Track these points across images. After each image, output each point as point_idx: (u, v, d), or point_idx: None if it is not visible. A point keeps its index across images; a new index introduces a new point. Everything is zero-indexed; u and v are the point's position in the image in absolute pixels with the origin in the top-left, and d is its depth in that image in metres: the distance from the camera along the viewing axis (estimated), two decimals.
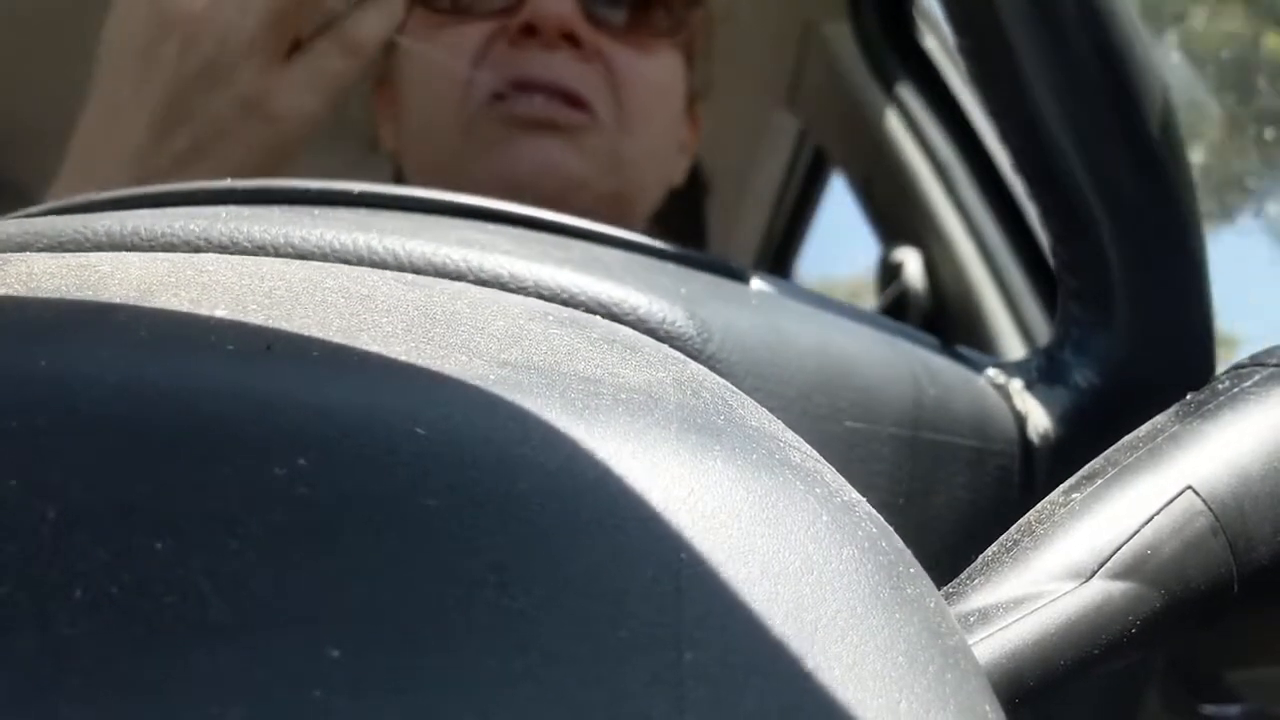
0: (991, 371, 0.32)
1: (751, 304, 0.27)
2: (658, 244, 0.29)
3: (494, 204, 0.28)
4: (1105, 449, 0.30)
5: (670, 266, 0.28)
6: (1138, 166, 0.29)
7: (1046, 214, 0.31)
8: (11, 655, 0.11)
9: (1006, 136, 0.31)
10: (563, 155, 0.54)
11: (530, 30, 0.53)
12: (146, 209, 0.24)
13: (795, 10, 0.87)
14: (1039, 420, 0.31)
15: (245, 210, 0.24)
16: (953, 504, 0.28)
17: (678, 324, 0.23)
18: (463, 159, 0.54)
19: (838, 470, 0.25)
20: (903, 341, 0.30)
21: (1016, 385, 0.32)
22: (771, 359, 0.24)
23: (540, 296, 0.23)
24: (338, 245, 0.22)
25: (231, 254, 0.22)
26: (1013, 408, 0.31)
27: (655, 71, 0.58)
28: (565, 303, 0.23)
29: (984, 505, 0.29)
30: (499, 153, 0.53)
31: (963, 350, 0.33)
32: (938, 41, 0.83)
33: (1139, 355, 0.30)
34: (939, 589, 0.19)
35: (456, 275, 0.22)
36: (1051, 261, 0.32)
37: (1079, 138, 0.29)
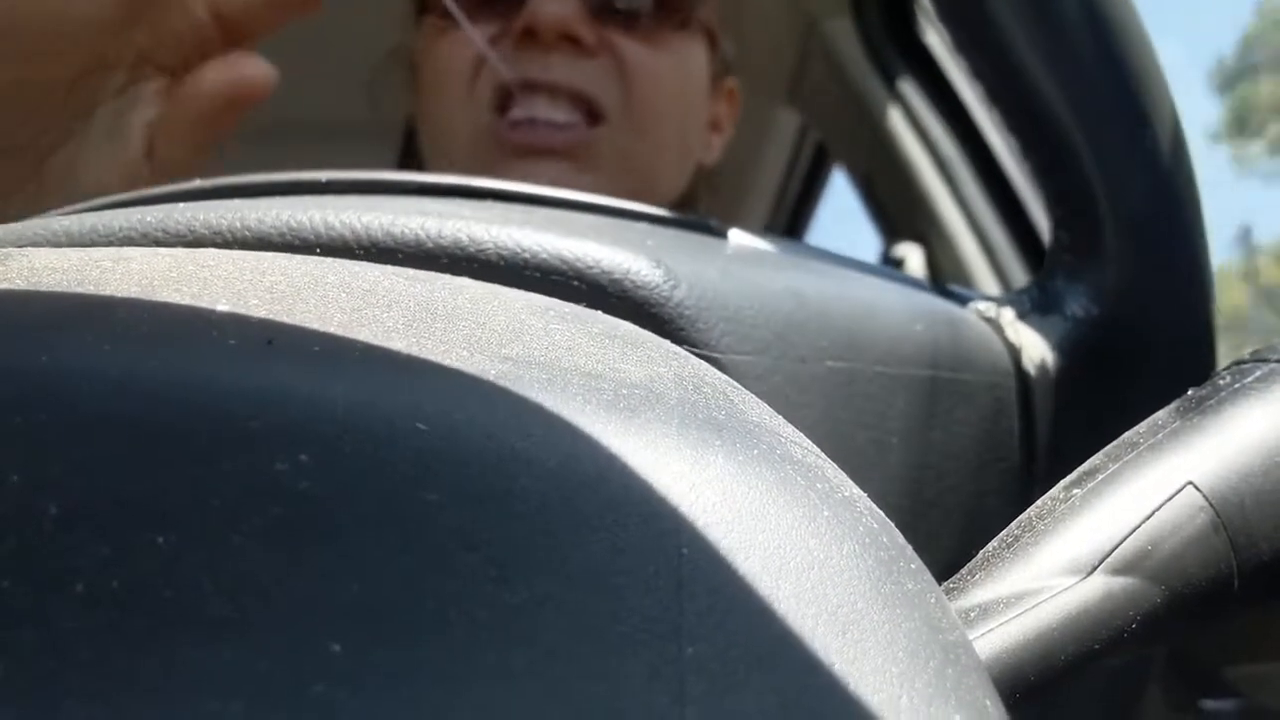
0: (981, 305, 0.31)
1: (724, 254, 0.27)
2: (629, 205, 0.29)
3: (460, 180, 0.27)
4: (1107, 378, 0.30)
5: (640, 225, 0.27)
6: (1116, 90, 0.29)
7: (1027, 146, 0.31)
8: (11, 650, 0.11)
9: (980, 71, 0.30)
10: (568, 177, 0.53)
11: (531, 33, 0.53)
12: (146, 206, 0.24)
13: (797, 6, 0.87)
14: (1034, 351, 0.30)
15: (208, 202, 0.24)
16: (949, 439, 0.28)
17: (642, 273, 0.23)
18: (471, 172, 0.54)
19: (823, 410, 0.25)
20: (884, 281, 0.30)
21: (1008, 316, 0.31)
22: (743, 304, 0.24)
23: (501, 259, 0.22)
24: (294, 224, 0.22)
25: (188, 242, 0.22)
26: (1005, 339, 0.31)
27: (670, 64, 0.57)
28: (526, 263, 0.22)
29: (982, 439, 0.29)
30: (503, 173, 0.53)
31: (951, 288, 0.33)
32: (939, 37, 0.83)
33: (1133, 283, 0.30)
34: (939, 583, 0.19)
35: (414, 245, 0.22)
36: (1037, 189, 0.32)
37: (1055, 66, 0.28)
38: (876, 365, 0.26)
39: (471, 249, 0.22)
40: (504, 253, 0.22)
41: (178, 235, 0.22)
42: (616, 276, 0.22)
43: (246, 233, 0.22)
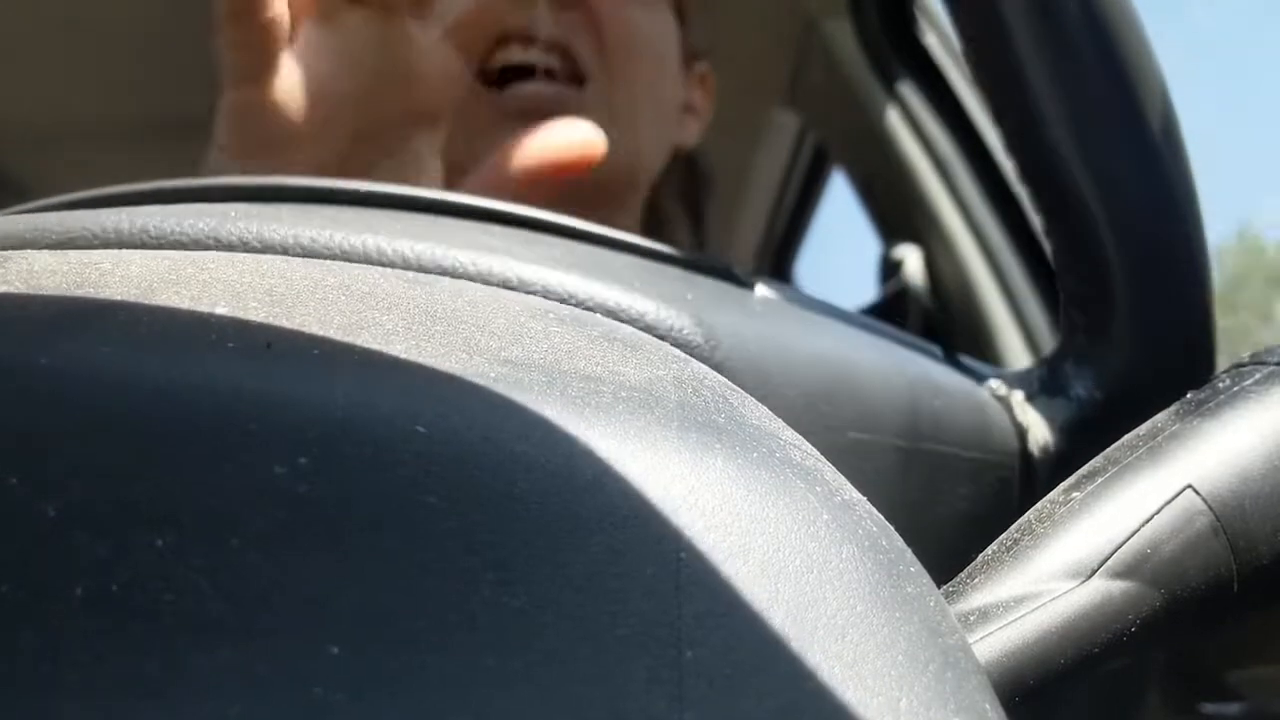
0: (994, 383, 0.32)
1: (756, 311, 0.27)
2: (662, 248, 0.29)
3: (499, 206, 0.28)
4: None
5: (674, 271, 0.28)
6: (1139, 170, 0.29)
7: (1048, 217, 0.31)
8: (11, 652, 0.11)
9: (1010, 140, 0.31)
10: None
11: None
12: (154, 204, 0.24)
13: (795, 7, 0.87)
14: (1039, 432, 0.31)
15: (254, 209, 0.24)
16: (953, 515, 0.28)
17: (685, 331, 0.23)
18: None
19: None
20: (906, 351, 0.30)
21: (1018, 397, 0.31)
22: (776, 367, 0.24)
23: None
24: (347, 247, 0.22)
25: (239, 253, 0.22)
26: (1014, 420, 0.31)
27: (640, 19, 0.57)
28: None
29: (984, 516, 0.29)
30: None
31: (965, 360, 0.33)
32: (938, 38, 0.83)
33: (1139, 364, 0.30)
34: (939, 589, 0.19)
35: (464, 278, 0.22)
36: (1054, 266, 0.32)
37: (1080, 141, 0.29)
38: (896, 439, 0.27)
39: (519, 289, 0.22)
40: (551, 296, 0.23)
41: (229, 245, 0.22)
42: (661, 332, 0.23)
43: (299, 249, 0.22)
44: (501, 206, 0.28)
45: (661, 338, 0.23)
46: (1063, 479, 0.29)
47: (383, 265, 0.22)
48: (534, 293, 0.22)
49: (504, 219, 0.27)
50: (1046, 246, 0.32)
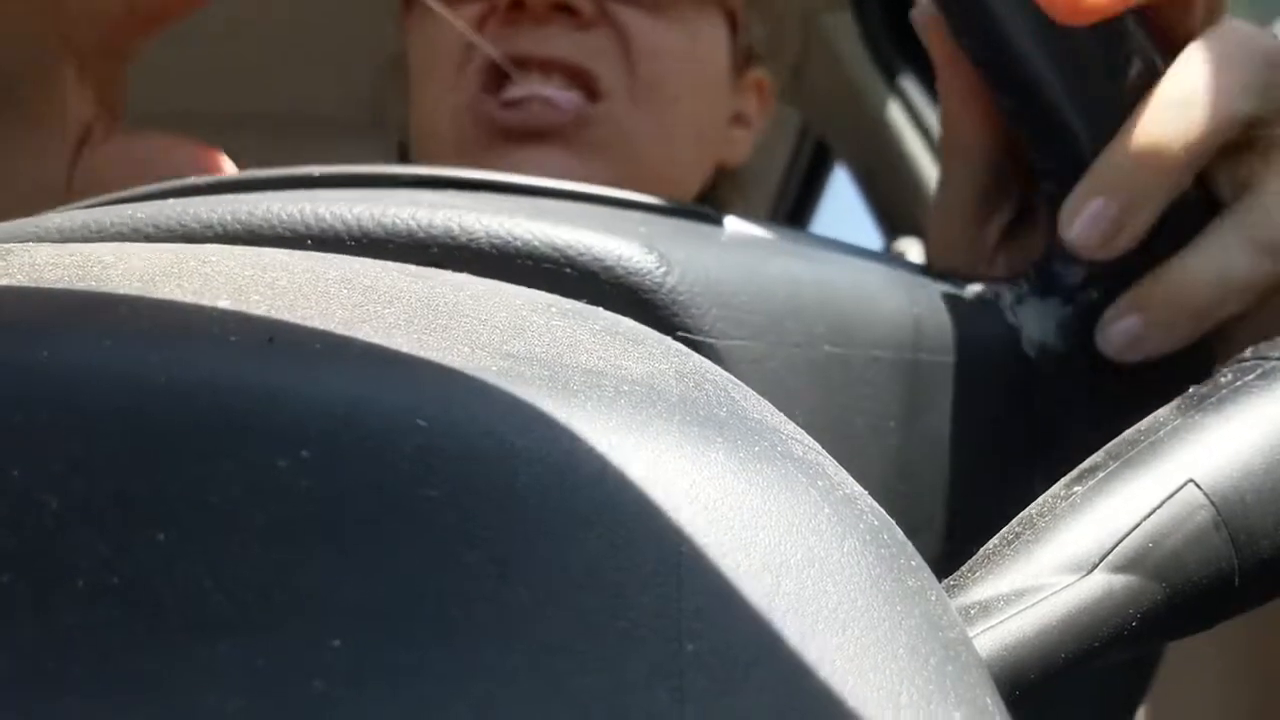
0: (979, 288, 0.31)
1: (719, 240, 0.26)
2: (622, 194, 0.29)
3: (454, 172, 0.27)
4: (1109, 362, 0.30)
5: (634, 214, 0.27)
6: (1107, 63, 0.29)
7: (1019, 118, 0.30)
8: (11, 645, 0.11)
9: (972, 48, 0.30)
10: (560, 163, 0.50)
11: (520, 5, 0.50)
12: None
13: (796, 2, 0.87)
14: (1033, 333, 0.30)
15: (198, 198, 0.24)
16: (948, 424, 0.28)
17: (635, 259, 0.22)
18: (461, 162, 0.51)
19: (821, 395, 0.25)
20: (881, 266, 0.30)
21: (1006, 299, 0.31)
22: (737, 289, 0.24)
23: (493, 247, 0.22)
24: (285, 217, 0.22)
25: (179, 237, 0.22)
26: (1004, 323, 0.31)
27: (677, 37, 0.53)
28: (518, 251, 0.22)
29: (982, 422, 0.29)
30: (493, 162, 0.51)
31: (947, 273, 0.33)
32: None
33: (1133, 263, 0.30)
34: (940, 578, 0.19)
35: (405, 235, 0.22)
36: (1033, 168, 0.31)
37: (1050, 41, 0.28)
38: (874, 350, 0.26)
39: (463, 238, 0.22)
40: (495, 241, 0.22)
41: (169, 230, 0.22)
42: (609, 263, 0.22)
43: (237, 226, 0.22)
44: (455, 172, 0.27)
45: (611, 269, 0.22)
46: (1065, 379, 0.29)
47: (321, 233, 0.22)
48: (477, 239, 0.22)
49: (458, 184, 0.27)
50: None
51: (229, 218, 0.22)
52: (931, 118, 0.83)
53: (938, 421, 0.28)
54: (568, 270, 0.22)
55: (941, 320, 0.28)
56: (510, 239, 0.22)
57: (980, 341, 0.29)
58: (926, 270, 0.32)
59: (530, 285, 0.20)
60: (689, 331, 0.23)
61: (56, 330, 0.13)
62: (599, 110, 0.52)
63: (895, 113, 0.85)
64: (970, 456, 0.28)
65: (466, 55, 0.52)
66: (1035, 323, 0.30)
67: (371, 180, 0.27)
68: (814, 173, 1.11)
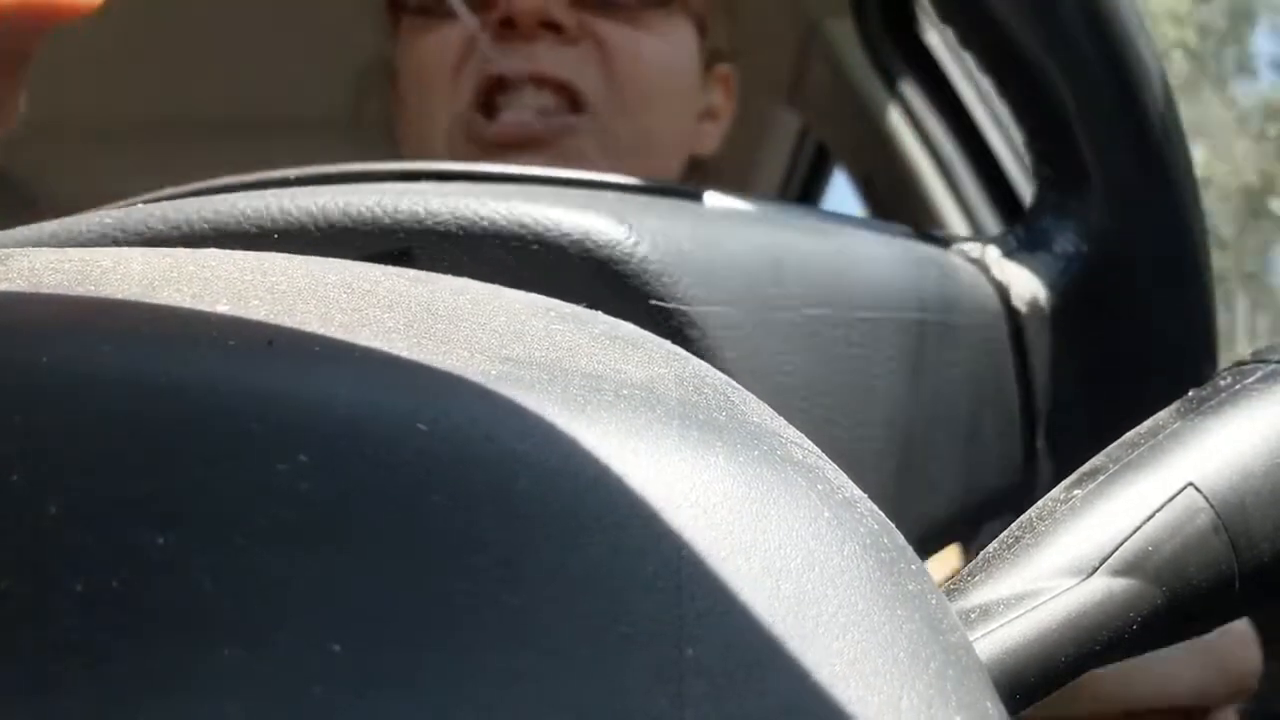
0: (965, 245, 0.31)
1: (695, 213, 0.26)
2: (598, 176, 0.28)
3: (427, 165, 0.27)
4: (1102, 314, 0.30)
5: (610, 194, 0.27)
6: (1091, 21, 0.29)
7: (1002, 82, 0.30)
8: (12, 649, 0.11)
9: (950, 14, 0.30)
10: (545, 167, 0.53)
11: (510, 23, 0.52)
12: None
13: (797, 7, 0.87)
14: (1023, 288, 0.30)
15: (165, 202, 0.24)
16: (939, 383, 0.27)
17: (604, 232, 0.22)
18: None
19: (802, 358, 0.24)
20: (863, 229, 0.29)
21: (994, 256, 0.31)
22: (712, 256, 0.23)
23: (460, 228, 0.22)
24: (251, 212, 0.22)
25: (147, 240, 0.22)
26: (991, 278, 0.30)
27: (654, 47, 0.56)
28: (485, 231, 0.22)
29: (975, 380, 0.28)
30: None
31: (935, 233, 0.32)
32: (940, 37, 0.83)
33: (1122, 217, 0.29)
34: (939, 587, 0.19)
35: (371, 222, 0.22)
36: (1018, 129, 0.31)
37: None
38: (858, 311, 0.26)
39: (429, 221, 0.22)
40: (462, 222, 0.22)
41: (137, 234, 0.22)
42: (577, 237, 0.22)
43: (204, 225, 0.22)
44: (429, 165, 0.27)
45: (580, 243, 0.22)
46: (1059, 333, 0.29)
47: (288, 225, 0.22)
48: (444, 222, 0.22)
49: (430, 175, 0.27)
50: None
51: (195, 216, 0.22)
52: (931, 123, 0.83)
53: (928, 380, 0.27)
54: (535, 247, 0.22)
55: (928, 279, 0.28)
56: (476, 219, 0.22)
57: (969, 299, 0.29)
58: (911, 230, 0.32)
59: (498, 264, 0.19)
60: (662, 300, 0.22)
61: (56, 334, 0.13)
62: (581, 120, 0.54)
63: (895, 118, 0.85)
64: (966, 416, 0.28)
65: (458, 69, 0.54)
66: (1024, 278, 0.30)
67: (346, 177, 0.26)
68: (813, 177, 1.11)
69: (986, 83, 0.32)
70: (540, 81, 0.53)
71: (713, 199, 0.29)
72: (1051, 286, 0.30)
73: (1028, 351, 0.30)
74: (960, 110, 0.81)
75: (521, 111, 0.53)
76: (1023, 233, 0.31)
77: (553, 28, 0.53)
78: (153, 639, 0.11)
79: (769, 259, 0.24)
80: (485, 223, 0.22)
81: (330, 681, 0.11)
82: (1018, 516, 0.21)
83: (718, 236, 0.24)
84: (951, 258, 0.30)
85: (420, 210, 0.22)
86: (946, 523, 0.27)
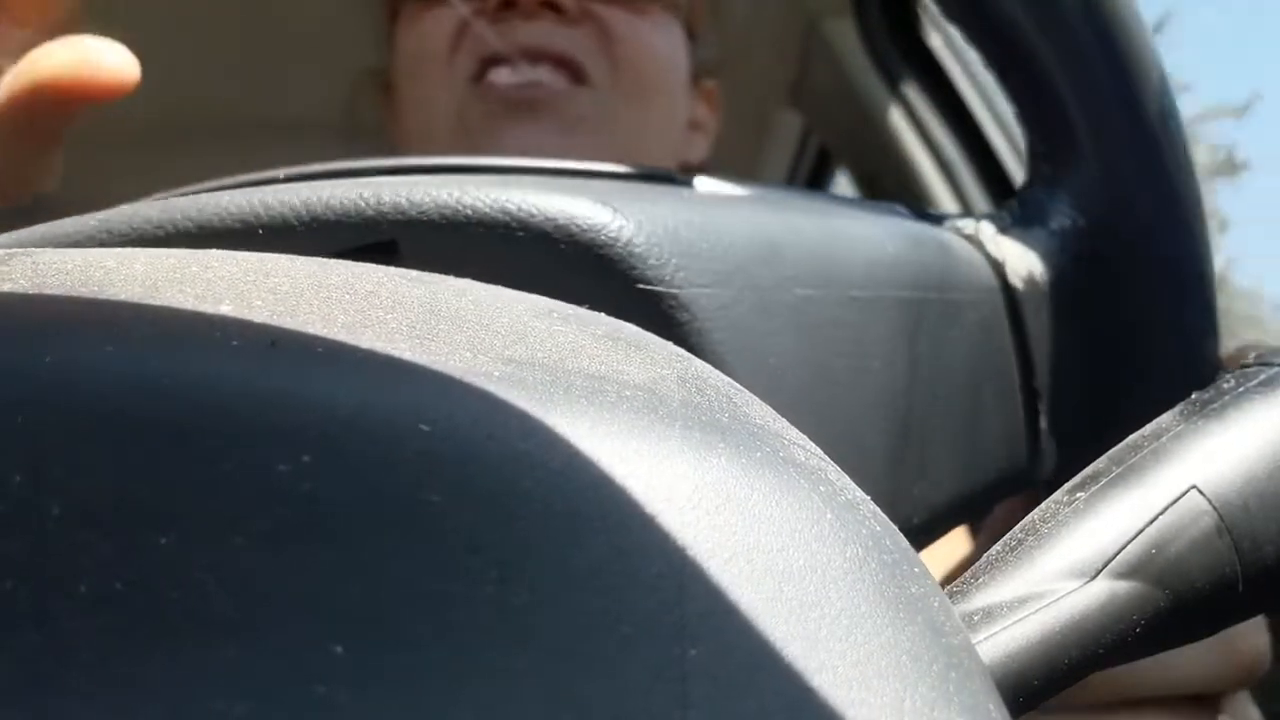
0: (959, 222, 0.31)
1: (685, 198, 0.26)
2: (588, 165, 0.28)
3: (416, 160, 0.27)
4: (1101, 287, 0.30)
5: (598, 183, 0.27)
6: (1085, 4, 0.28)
7: (989, 54, 0.30)
8: (13, 650, 0.11)
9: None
10: (549, 139, 0.53)
11: (511, 3, 0.53)
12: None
13: (798, 8, 0.87)
14: (1019, 264, 0.30)
15: (148, 201, 0.24)
16: (936, 361, 0.27)
17: (587, 216, 0.22)
18: (453, 152, 0.53)
19: (794, 339, 0.24)
20: (855, 208, 0.29)
21: (988, 231, 0.30)
22: (699, 238, 0.23)
23: (442, 217, 0.22)
24: (234, 209, 0.22)
25: (131, 241, 0.22)
26: (986, 254, 0.30)
27: (652, 34, 0.57)
28: (467, 219, 0.22)
29: (973, 357, 0.28)
30: (484, 144, 0.53)
31: (929, 211, 0.32)
32: (942, 39, 0.83)
33: (1117, 189, 0.29)
34: (943, 589, 0.19)
35: (355, 214, 0.22)
36: (1009, 103, 0.31)
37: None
38: (851, 290, 0.25)
39: (412, 211, 0.22)
40: (445, 211, 0.22)
41: (123, 235, 0.22)
42: (561, 222, 0.22)
43: (188, 223, 0.22)
44: (419, 160, 0.27)
45: (564, 228, 0.22)
46: (1057, 308, 0.28)
47: (271, 220, 0.22)
48: (425, 209, 0.22)
49: (419, 170, 0.27)
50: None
51: (179, 216, 0.22)
52: (933, 124, 0.83)
53: (925, 359, 0.27)
54: (519, 233, 0.22)
55: (922, 257, 0.28)
56: (459, 207, 0.22)
57: (964, 276, 0.29)
58: (903, 209, 0.32)
59: (483, 253, 0.19)
60: (650, 283, 0.22)
61: (59, 334, 0.13)
62: (583, 91, 0.54)
63: (897, 118, 0.85)
64: (964, 394, 0.27)
65: (454, 48, 0.55)
66: (1020, 253, 0.30)
67: (335, 174, 0.26)
68: (815, 179, 1.11)
69: (988, 82, 0.32)
70: (539, 55, 0.53)
71: (704, 183, 0.29)
72: (1048, 262, 0.30)
73: (1026, 328, 0.29)
74: (962, 110, 0.81)
75: (518, 76, 0.53)
76: (1017, 207, 0.30)
77: (552, 7, 0.53)
78: (155, 640, 0.11)
79: (759, 240, 0.24)
80: (469, 211, 0.22)
81: (332, 681, 0.11)
82: (1024, 497, 0.20)
83: (706, 219, 0.24)
84: (945, 235, 0.30)
85: (403, 201, 0.22)
86: (949, 504, 0.27)
